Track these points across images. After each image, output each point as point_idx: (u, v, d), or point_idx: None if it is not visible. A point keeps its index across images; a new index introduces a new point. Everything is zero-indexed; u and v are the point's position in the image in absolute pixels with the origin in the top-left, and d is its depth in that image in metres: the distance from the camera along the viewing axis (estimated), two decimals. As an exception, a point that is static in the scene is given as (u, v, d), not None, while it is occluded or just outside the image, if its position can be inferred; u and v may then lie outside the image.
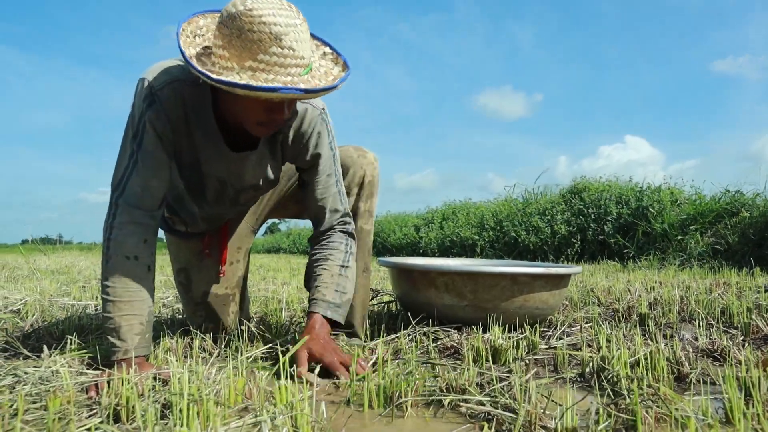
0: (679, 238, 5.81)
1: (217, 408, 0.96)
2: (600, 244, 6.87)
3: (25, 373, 1.18)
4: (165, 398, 1.00)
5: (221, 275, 1.75)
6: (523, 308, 1.79)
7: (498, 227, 8.46)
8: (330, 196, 1.55)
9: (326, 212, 1.55)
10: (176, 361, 1.27)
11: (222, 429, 0.87)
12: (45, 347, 1.33)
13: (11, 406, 0.99)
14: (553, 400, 1.10)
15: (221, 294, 1.76)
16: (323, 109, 1.51)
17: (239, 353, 1.46)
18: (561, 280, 1.86)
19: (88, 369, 1.25)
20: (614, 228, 6.71)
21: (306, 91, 1.14)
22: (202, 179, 1.46)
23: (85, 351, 1.34)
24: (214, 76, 1.13)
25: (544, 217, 7.68)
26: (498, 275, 1.75)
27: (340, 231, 1.57)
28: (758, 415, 0.97)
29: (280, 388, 1.00)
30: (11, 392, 1.08)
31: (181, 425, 0.85)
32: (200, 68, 1.14)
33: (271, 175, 1.54)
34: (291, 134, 1.47)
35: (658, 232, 6.08)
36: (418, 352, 1.54)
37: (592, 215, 7.03)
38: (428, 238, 10.01)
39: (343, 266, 1.52)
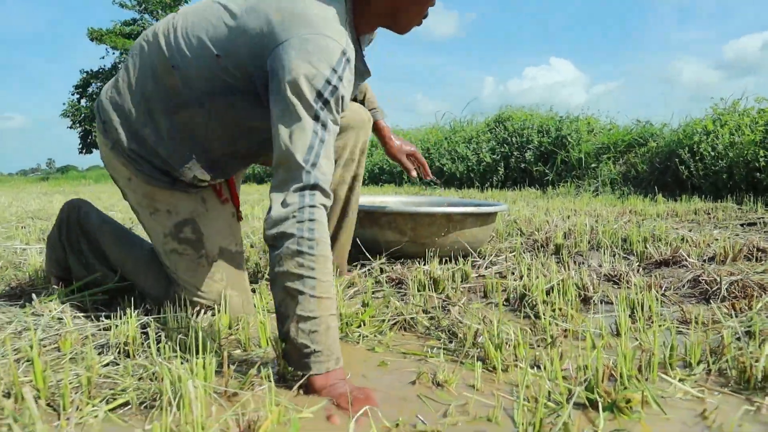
0: (594, 166, 6.27)
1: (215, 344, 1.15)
2: (522, 171, 7.29)
3: (25, 321, 1.32)
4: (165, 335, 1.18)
5: (240, 220, 1.51)
6: (456, 242, 2.04)
7: (426, 155, 8.74)
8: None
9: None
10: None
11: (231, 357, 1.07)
12: (34, 295, 1.46)
13: (27, 350, 1.14)
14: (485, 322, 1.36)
15: (234, 251, 1.44)
16: None
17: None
18: (489, 217, 2.12)
19: (81, 313, 1.40)
20: (535, 156, 7.12)
21: None
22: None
23: (73, 297, 1.48)
24: None
25: (470, 145, 8.00)
26: (434, 214, 1.98)
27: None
28: (640, 329, 1.26)
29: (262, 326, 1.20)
30: (18, 338, 1.23)
31: (187, 351, 1.04)
32: None
33: None
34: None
35: (575, 160, 6.52)
36: (371, 283, 1.77)
37: (516, 144, 7.41)
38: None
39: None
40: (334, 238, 1.81)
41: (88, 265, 1.55)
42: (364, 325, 1.35)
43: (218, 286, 1.39)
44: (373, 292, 1.65)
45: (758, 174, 4.47)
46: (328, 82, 1.07)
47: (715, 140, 4.91)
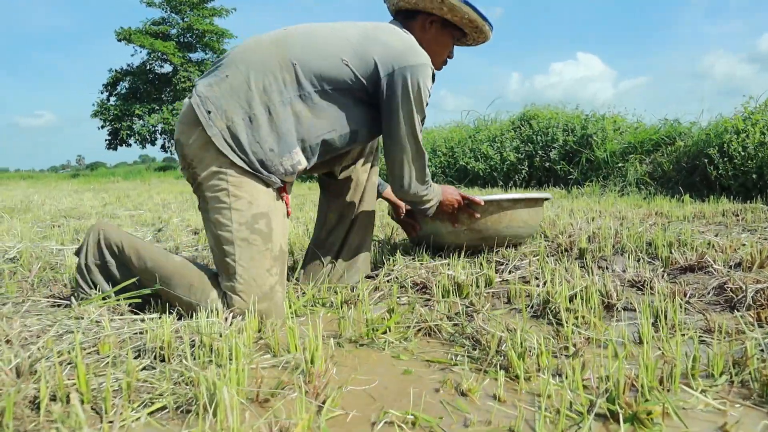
0: (619, 165, 6.21)
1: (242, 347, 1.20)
2: (546, 170, 7.24)
3: (66, 325, 1.38)
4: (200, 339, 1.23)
5: (289, 214, 1.64)
6: (509, 228, 2.15)
7: (450, 154, 8.73)
8: None
9: None
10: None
11: (262, 364, 1.11)
12: (73, 299, 1.52)
13: (69, 353, 1.20)
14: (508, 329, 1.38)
15: (284, 250, 1.58)
16: None
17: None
18: (536, 203, 2.32)
19: (119, 316, 1.46)
20: (560, 155, 7.07)
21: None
22: None
23: (111, 300, 1.54)
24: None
25: (494, 144, 7.97)
26: (487, 201, 2.16)
27: None
28: (663, 338, 1.27)
29: (292, 331, 1.24)
30: (60, 340, 1.29)
31: (219, 356, 1.08)
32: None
33: None
34: None
35: (601, 159, 6.46)
36: (396, 288, 1.81)
37: (540, 142, 7.36)
38: (383, 164, 10.19)
39: None
40: (355, 220, 1.98)
41: (111, 277, 1.57)
42: (390, 331, 1.38)
43: (272, 279, 1.50)
44: (398, 297, 1.69)
45: (789, 174, 4.39)
46: (429, 95, 1.64)
47: (746, 140, 4.84)
